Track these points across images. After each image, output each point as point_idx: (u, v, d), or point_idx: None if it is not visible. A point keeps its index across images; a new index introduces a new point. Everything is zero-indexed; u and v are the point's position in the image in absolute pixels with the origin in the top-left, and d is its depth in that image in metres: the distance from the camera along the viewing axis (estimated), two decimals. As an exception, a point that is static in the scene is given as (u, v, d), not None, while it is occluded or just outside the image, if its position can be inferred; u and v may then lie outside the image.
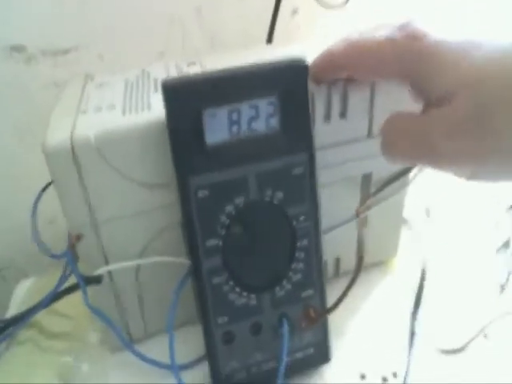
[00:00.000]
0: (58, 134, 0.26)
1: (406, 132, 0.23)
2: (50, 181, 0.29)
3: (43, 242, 0.35)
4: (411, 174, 0.33)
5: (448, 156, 0.21)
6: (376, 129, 0.32)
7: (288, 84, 0.25)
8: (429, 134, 0.21)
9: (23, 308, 0.35)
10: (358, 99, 0.30)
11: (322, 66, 0.26)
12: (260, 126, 0.26)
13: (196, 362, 0.33)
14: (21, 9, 0.42)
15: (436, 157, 0.22)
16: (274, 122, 0.26)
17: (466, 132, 0.20)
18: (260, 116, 0.25)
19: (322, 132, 0.29)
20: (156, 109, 0.27)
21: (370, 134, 0.32)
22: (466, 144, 0.20)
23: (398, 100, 0.26)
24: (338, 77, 0.28)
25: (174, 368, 0.29)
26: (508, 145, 0.19)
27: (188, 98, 0.24)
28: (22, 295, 0.41)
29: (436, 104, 0.21)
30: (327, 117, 0.30)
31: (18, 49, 0.42)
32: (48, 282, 0.34)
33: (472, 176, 0.22)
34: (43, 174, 0.29)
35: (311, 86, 0.26)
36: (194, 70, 0.32)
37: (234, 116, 0.25)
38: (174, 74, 0.32)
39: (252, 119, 0.25)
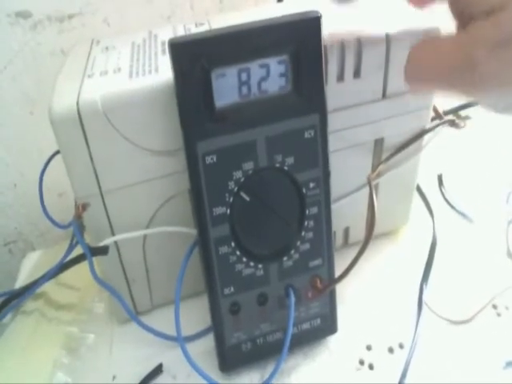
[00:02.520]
0: (63, 100, 0.26)
1: (441, 49, 0.20)
2: (58, 150, 0.29)
3: (49, 212, 0.35)
4: (424, 140, 0.33)
5: (489, 75, 0.19)
6: (391, 89, 0.30)
7: (300, 39, 0.24)
8: (470, 48, 0.19)
9: (30, 280, 0.35)
10: (372, 56, 0.29)
11: None
12: (271, 87, 0.25)
13: (202, 333, 0.33)
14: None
15: (474, 76, 0.19)
16: (286, 81, 0.25)
17: None
18: (271, 76, 0.25)
19: (335, 93, 0.29)
20: (164, 71, 0.26)
21: (384, 96, 0.31)
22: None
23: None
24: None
25: (180, 339, 0.29)
26: None
27: (196, 57, 0.23)
28: (29, 268, 0.41)
29: (480, 19, 0.19)
30: (340, 76, 0.29)
31: (23, 15, 0.41)
32: (55, 255, 0.34)
33: (506, 107, 0.20)
34: (53, 146, 0.28)
35: (324, 43, 0.25)
36: (203, 30, 0.31)
37: (244, 76, 0.24)
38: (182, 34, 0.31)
39: (262, 79, 0.25)
